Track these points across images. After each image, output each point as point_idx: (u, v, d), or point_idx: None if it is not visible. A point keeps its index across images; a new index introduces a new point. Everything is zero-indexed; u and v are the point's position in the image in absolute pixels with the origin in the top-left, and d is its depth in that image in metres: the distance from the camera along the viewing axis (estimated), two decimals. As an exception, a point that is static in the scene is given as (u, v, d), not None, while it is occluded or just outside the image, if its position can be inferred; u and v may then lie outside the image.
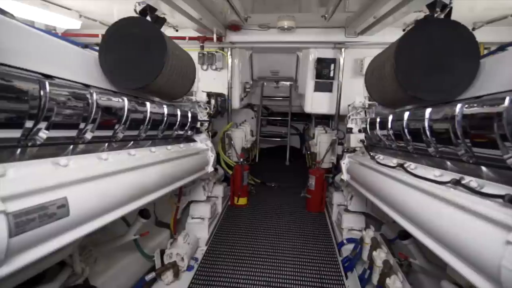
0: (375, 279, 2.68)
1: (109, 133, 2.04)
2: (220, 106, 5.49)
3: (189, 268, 3.22)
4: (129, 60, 2.22)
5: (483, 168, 1.58)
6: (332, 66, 5.41)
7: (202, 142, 3.78)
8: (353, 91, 4.54)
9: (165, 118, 2.72)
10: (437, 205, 1.49)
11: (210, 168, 3.78)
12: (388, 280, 2.40)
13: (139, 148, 2.37)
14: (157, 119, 2.60)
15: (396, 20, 4.07)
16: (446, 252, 1.39)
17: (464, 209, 1.27)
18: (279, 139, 8.46)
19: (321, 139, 5.34)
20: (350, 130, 3.64)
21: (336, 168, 5.18)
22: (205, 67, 5.79)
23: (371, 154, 2.84)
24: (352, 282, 3.11)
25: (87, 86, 1.90)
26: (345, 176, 3.47)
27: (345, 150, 3.67)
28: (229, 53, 5.66)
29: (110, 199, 1.64)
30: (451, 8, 3.79)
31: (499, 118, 1.29)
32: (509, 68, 1.66)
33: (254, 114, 8.06)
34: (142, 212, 2.67)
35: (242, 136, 5.90)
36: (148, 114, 2.42)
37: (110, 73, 2.17)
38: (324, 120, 7.05)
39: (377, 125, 2.85)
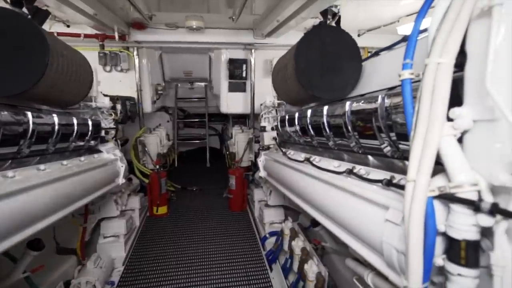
0: (295, 266, 2.87)
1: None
2: (129, 110, 5.04)
3: (103, 294, 2.87)
4: (-3, 61, 1.81)
5: (370, 157, 1.84)
6: (244, 66, 5.55)
7: (109, 152, 3.40)
8: (265, 91, 4.76)
9: (56, 129, 2.32)
10: (336, 193, 1.67)
11: (121, 180, 3.43)
12: (306, 266, 2.59)
13: (22, 167, 1.96)
14: (44, 130, 2.20)
15: (298, 24, 4.42)
16: (344, 234, 1.57)
17: (355, 194, 1.46)
18: (198, 141, 8.28)
19: (238, 139, 5.44)
20: (263, 129, 3.81)
21: (255, 166, 5.36)
22: (108, 68, 5.22)
23: (283, 150, 3.02)
24: (276, 273, 3.26)
25: None
26: (262, 173, 3.61)
27: (261, 148, 3.82)
28: (135, 53, 5.23)
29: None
30: (340, 16, 4.28)
31: (375, 113, 1.52)
32: (381, 70, 1.98)
33: (169, 117, 7.69)
34: (32, 243, 2.23)
35: (157, 141, 5.55)
36: (31, 126, 2.02)
37: (-32, 78, 1.73)
38: (241, 119, 7.20)
39: (286, 122, 3.05)
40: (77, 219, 3.37)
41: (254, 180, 5.26)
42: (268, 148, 3.71)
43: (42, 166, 2.09)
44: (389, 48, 2.28)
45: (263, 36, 5.23)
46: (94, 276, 2.77)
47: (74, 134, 2.62)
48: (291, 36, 4.76)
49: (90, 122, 2.92)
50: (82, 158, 2.72)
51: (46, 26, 3.74)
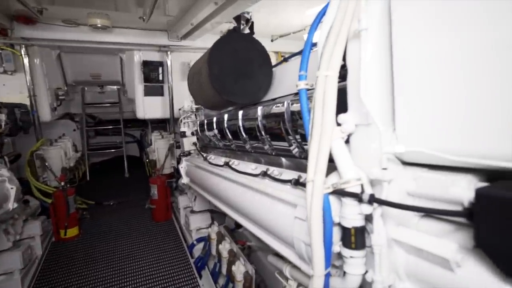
0: (224, 269, 2.88)
1: None
2: (20, 120, 4.28)
3: None
4: None
5: (283, 159, 1.97)
6: (160, 69, 5.30)
7: (-8, 172, 2.83)
8: (185, 94, 4.63)
9: None
10: (253, 195, 1.74)
11: (11, 204, 2.89)
12: (233, 267, 2.63)
13: None
14: None
15: (214, 28, 4.43)
16: (264, 233, 1.66)
17: (269, 195, 1.55)
18: (114, 150, 7.54)
19: (158, 145, 5.17)
20: (183, 134, 3.70)
21: (178, 172, 5.18)
22: (-15, 69, 4.32)
23: (204, 155, 3.00)
24: (206, 279, 3.22)
25: None
26: (184, 179, 3.51)
27: (182, 154, 3.71)
28: (23, 51, 4.45)
29: None
30: (253, 22, 4.44)
31: (283, 117, 1.64)
32: (290, 75, 2.14)
33: (76, 125, 6.80)
34: None
35: (60, 154, 4.83)
36: None
37: None
38: (161, 124, 6.86)
39: (206, 127, 3.03)
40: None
41: (178, 187, 5.07)
42: (189, 153, 3.63)
43: None
44: (296, 55, 2.48)
45: (179, 39, 5.09)
46: (-22, 327, 2.26)
47: None
48: (208, 39, 4.76)
49: (-40, 138, 2.38)
50: (-50, 184, 2.20)
51: None
